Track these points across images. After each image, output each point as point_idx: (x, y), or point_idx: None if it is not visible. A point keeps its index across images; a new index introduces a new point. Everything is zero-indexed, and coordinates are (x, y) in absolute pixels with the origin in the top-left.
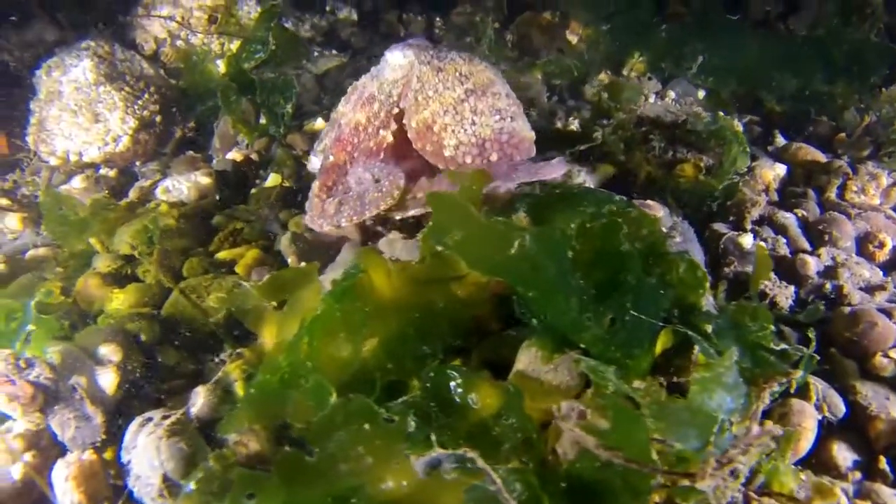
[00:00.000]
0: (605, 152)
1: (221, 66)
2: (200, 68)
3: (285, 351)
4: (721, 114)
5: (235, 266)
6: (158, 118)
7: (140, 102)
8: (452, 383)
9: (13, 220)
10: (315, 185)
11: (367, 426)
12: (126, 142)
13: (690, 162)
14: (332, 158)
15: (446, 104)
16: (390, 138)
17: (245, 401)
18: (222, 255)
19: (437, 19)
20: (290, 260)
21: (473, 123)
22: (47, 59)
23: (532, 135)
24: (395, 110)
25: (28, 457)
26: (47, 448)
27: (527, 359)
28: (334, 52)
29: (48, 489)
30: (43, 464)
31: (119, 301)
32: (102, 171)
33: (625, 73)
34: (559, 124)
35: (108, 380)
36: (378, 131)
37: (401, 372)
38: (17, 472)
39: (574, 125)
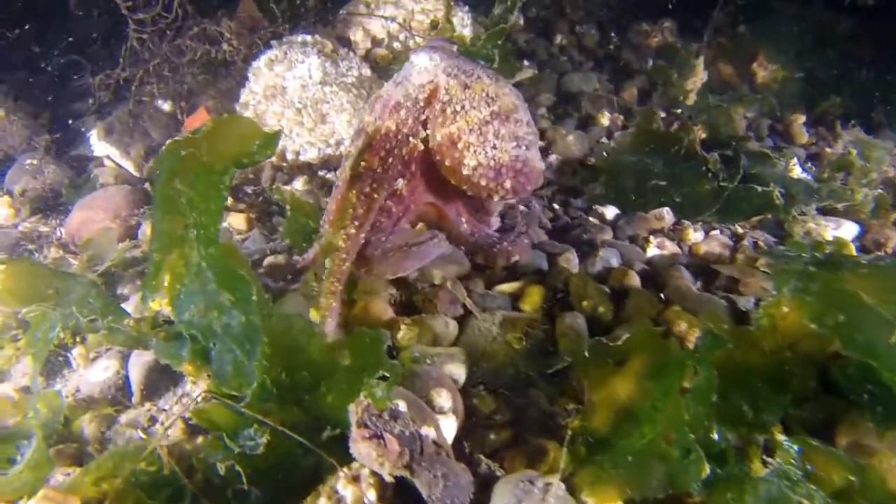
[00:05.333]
0: (853, 210)
1: None
2: None
3: (648, 419)
4: None
5: (520, 302)
6: None
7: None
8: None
9: (238, 220)
10: (352, 192)
11: None
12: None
13: None
14: (364, 164)
15: (472, 123)
16: (421, 146)
17: (609, 467)
18: (503, 287)
19: (613, 35)
20: (583, 303)
21: (494, 147)
22: (266, 52)
23: (542, 165)
24: (422, 117)
25: None
26: (391, 498)
27: (854, 431)
28: (526, 63)
29: None
30: None
31: (410, 336)
32: (320, 174)
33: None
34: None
35: (450, 429)
36: (408, 139)
37: (739, 438)
38: None
39: (796, 170)
